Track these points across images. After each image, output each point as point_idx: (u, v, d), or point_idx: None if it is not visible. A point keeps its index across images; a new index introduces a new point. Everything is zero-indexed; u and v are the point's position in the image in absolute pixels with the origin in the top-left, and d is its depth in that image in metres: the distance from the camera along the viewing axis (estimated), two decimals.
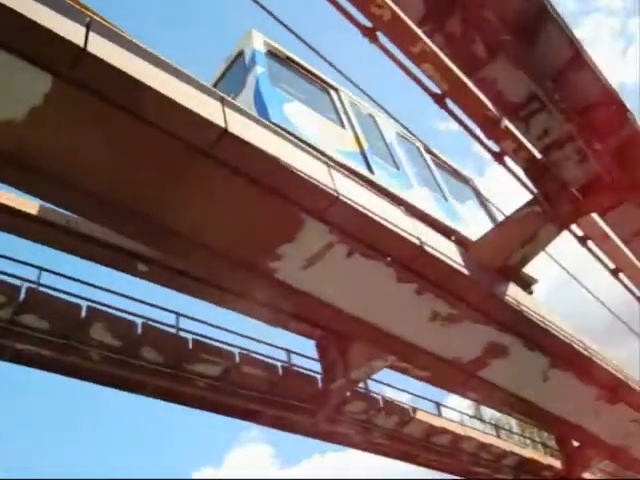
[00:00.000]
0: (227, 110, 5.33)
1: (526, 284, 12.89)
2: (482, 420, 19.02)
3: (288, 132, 7.19)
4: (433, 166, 12.13)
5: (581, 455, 14.75)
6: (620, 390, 10.87)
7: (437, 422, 13.04)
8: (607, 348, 13.15)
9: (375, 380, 12.19)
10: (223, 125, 5.15)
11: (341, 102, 10.55)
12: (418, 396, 13.74)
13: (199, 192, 5.64)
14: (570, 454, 15.04)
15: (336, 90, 10.72)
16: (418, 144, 11.87)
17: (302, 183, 5.80)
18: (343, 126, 9.91)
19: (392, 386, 13.01)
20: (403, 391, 13.55)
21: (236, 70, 10.16)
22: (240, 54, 10.19)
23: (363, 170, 8.80)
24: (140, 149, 5.11)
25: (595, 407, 11.12)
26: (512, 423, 22.56)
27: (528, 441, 20.18)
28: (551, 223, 7.86)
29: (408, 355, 8.96)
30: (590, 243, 9.47)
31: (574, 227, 9.04)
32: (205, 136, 5.14)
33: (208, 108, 5.13)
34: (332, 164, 6.50)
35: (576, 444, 14.49)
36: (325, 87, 10.61)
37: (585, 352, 9.56)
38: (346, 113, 10.32)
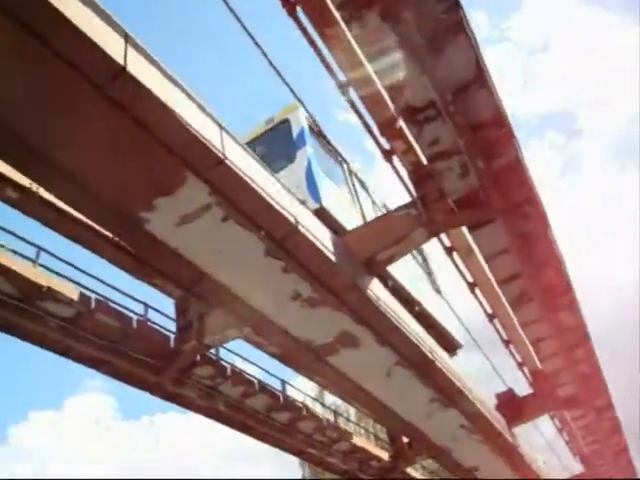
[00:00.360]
0: (130, 49, 5.23)
1: (452, 347, 14.17)
2: (323, 404, 19.68)
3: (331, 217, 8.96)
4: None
5: (408, 451, 15.64)
6: (455, 396, 11.63)
7: (280, 399, 13.36)
8: (457, 358, 14.11)
9: (227, 349, 12.33)
10: (122, 63, 5.05)
11: (350, 174, 11.90)
12: (267, 372, 14.01)
13: (85, 127, 5.51)
14: (398, 449, 15.90)
15: (345, 162, 11.82)
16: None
17: (191, 139, 5.80)
18: (353, 201, 11.19)
19: (243, 357, 13.19)
20: (253, 364, 13.76)
21: (279, 139, 10.85)
22: (284, 123, 10.91)
23: None
24: (38, 72, 4.94)
25: (429, 408, 11.86)
26: (351, 412, 23.50)
27: (362, 431, 21.13)
28: (423, 228, 8.29)
29: (264, 329, 9.18)
30: (455, 255, 10.10)
31: (443, 237, 9.60)
32: (103, 71, 5.03)
33: (110, 43, 5.02)
34: (225, 126, 6.53)
35: (405, 440, 15.32)
36: (340, 160, 11.70)
37: (429, 355, 10.16)
38: (353, 185, 11.75)
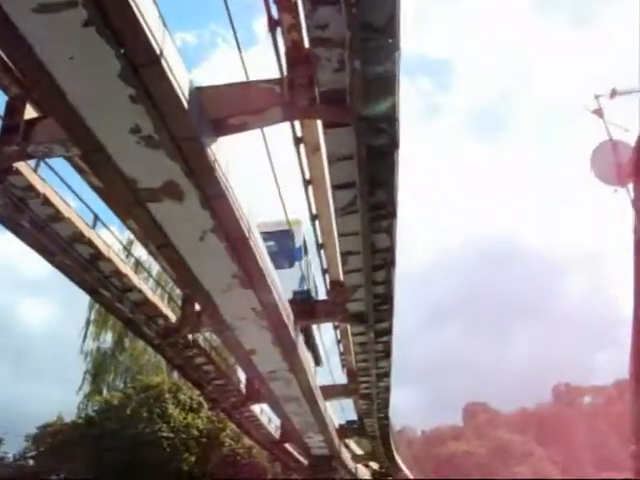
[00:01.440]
0: None
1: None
2: (129, 253, 19.64)
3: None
4: None
5: (196, 319, 16.13)
6: (256, 279, 12.10)
7: (87, 232, 13.16)
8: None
9: (51, 168, 11.85)
10: None
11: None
12: (86, 205, 13.66)
13: None
14: (187, 314, 16.34)
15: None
16: None
17: None
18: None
19: (64, 181, 12.71)
20: (73, 193, 13.31)
21: (285, 243, 16.84)
22: (288, 232, 16.68)
23: None
24: None
25: (229, 283, 12.26)
26: (154, 271, 23.66)
27: (160, 290, 21.50)
28: (282, 108, 8.36)
29: (92, 157, 8.91)
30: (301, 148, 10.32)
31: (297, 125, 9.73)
32: None
33: None
34: None
35: (198, 308, 15.75)
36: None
37: (246, 232, 10.45)
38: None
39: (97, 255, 13.72)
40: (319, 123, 9.29)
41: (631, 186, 13.27)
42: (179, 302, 17.23)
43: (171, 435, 27.16)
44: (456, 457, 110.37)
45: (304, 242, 18.17)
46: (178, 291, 19.49)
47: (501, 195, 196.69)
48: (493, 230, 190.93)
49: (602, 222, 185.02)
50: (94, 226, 13.88)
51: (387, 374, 19.94)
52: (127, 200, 9.92)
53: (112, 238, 15.73)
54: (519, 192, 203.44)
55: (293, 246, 16.70)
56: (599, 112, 13.42)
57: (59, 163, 12.02)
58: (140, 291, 15.45)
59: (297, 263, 17.05)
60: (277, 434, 28.87)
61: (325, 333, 31.71)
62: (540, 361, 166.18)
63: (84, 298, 35.39)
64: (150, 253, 16.08)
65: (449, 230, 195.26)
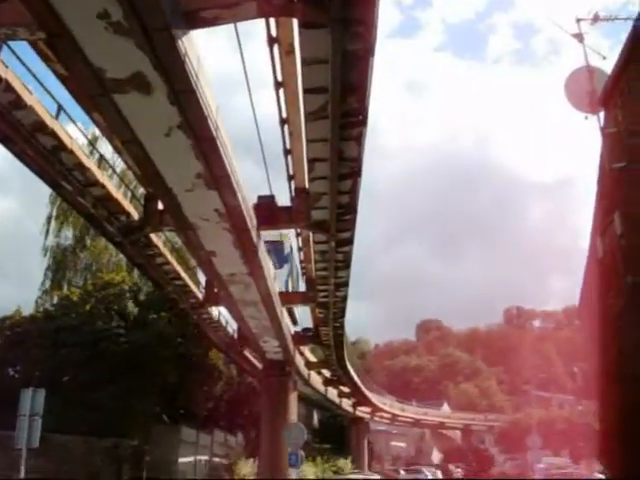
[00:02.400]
0: None
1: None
2: (95, 148, 19.34)
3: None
4: None
5: (159, 218, 16.17)
6: (221, 180, 12.14)
7: (50, 122, 12.90)
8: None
9: (14, 52, 11.48)
10: None
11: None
12: (50, 94, 13.33)
13: None
14: (150, 213, 16.35)
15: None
16: None
17: None
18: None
19: (27, 67, 12.35)
20: (36, 80, 12.98)
21: (279, 250, 22.71)
22: (281, 242, 22.78)
23: None
24: None
25: (193, 182, 12.28)
26: (119, 165, 23.36)
27: (124, 189, 21.36)
28: (256, 4, 8.22)
29: (58, 43, 8.69)
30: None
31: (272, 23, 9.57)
32: None
33: None
34: None
35: (161, 207, 15.77)
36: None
37: (213, 131, 10.41)
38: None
39: (60, 147, 13.50)
40: (295, 23, 9.14)
41: (602, 114, 13.48)
42: (142, 201, 17.18)
43: (129, 333, 27.58)
44: (407, 371, 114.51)
45: (291, 249, 24.25)
46: (142, 190, 19.39)
47: (476, 115, 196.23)
48: (463, 150, 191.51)
49: (574, 149, 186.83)
50: (57, 116, 13.62)
51: (345, 284, 20.38)
52: (93, 90, 9.77)
53: (77, 132, 15.51)
54: (494, 113, 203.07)
55: (282, 253, 23.06)
56: (579, 36, 13.33)
57: (23, 48, 11.70)
58: (103, 187, 15.34)
59: (286, 265, 24.10)
60: (234, 337, 29.55)
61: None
62: (495, 283, 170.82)
63: (45, 194, 35.03)
64: (115, 149, 15.95)
65: (420, 147, 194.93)
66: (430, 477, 60.25)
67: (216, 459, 32.27)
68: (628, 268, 12.84)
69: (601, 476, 17.05)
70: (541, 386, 71.65)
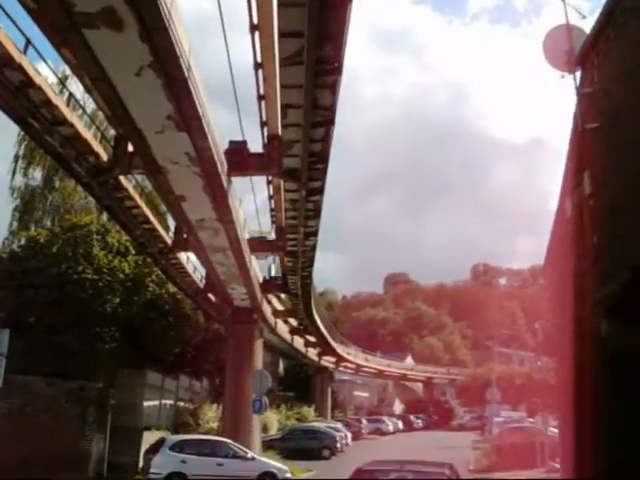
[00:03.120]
0: None
1: None
2: (65, 86, 18.87)
3: None
4: None
5: (128, 160, 15.97)
6: (191, 122, 12.00)
7: (18, 56, 12.52)
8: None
9: None
10: None
11: None
12: (18, 28, 12.90)
13: None
14: (120, 155, 16.12)
15: None
16: None
17: None
18: None
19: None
20: (3, 12, 12.52)
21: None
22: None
23: None
24: None
25: (164, 124, 12.12)
26: (90, 106, 22.88)
27: (94, 130, 20.98)
28: None
29: None
30: None
31: None
32: None
33: None
34: None
35: (130, 149, 15.55)
36: None
37: (185, 72, 10.25)
38: None
39: (27, 83, 13.14)
40: None
41: (579, 73, 13.46)
42: (112, 143, 16.89)
43: (95, 277, 27.42)
44: (373, 323, 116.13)
45: None
46: (112, 132, 19.05)
47: (451, 71, 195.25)
48: (437, 105, 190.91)
49: (547, 110, 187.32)
50: (25, 51, 13.24)
51: (315, 233, 20.41)
52: (62, 24, 9.51)
53: (46, 70, 15.13)
54: (470, 70, 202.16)
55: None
56: None
57: None
58: (72, 125, 15.02)
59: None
60: (202, 283, 29.59)
61: (258, 191, 31.85)
62: (463, 240, 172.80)
63: (12, 133, 34.18)
64: (85, 88, 15.55)
65: (394, 101, 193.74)
66: (391, 427, 61.80)
67: (181, 403, 32.56)
68: (594, 228, 13.02)
69: (554, 430, 17.64)
70: (503, 342, 73.25)
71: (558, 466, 15.10)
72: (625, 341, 8.10)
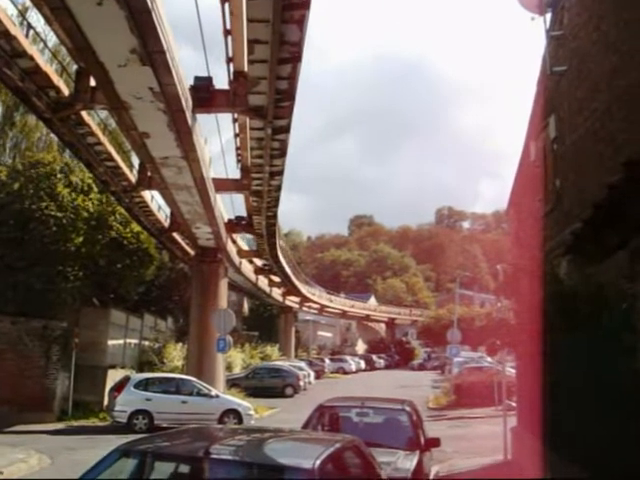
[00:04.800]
0: None
1: None
2: (25, 18, 18.14)
3: None
4: None
5: (90, 94, 15.59)
6: (156, 56, 11.68)
7: None
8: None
9: None
10: None
11: None
12: None
13: None
14: (82, 89, 15.71)
15: None
16: None
17: None
18: None
19: None
20: None
21: None
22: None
23: None
24: None
25: (127, 58, 11.77)
26: (51, 40, 22.12)
27: (56, 65, 20.31)
28: None
29: None
30: None
31: None
32: None
33: None
34: None
35: (93, 84, 15.13)
36: None
37: (149, 3, 9.94)
38: None
39: None
40: None
41: (549, 16, 13.38)
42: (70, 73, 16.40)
43: (59, 214, 26.97)
44: (337, 264, 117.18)
45: None
46: (75, 67, 18.47)
47: (416, 11, 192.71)
48: (401, 47, 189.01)
49: (517, 53, 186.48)
50: None
51: (280, 172, 20.27)
52: None
53: (4, 1, 14.49)
54: (436, 11, 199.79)
55: None
56: None
57: None
58: (32, 58, 14.50)
59: None
60: (166, 223, 29.38)
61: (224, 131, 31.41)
62: (428, 183, 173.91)
63: None
64: (45, 19, 15.00)
65: (360, 45, 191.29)
66: (354, 366, 63.09)
67: (146, 342, 32.73)
68: (557, 172, 13.20)
69: (512, 370, 18.17)
70: (465, 284, 74.64)
71: (514, 404, 15.62)
72: (583, 280, 8.33)
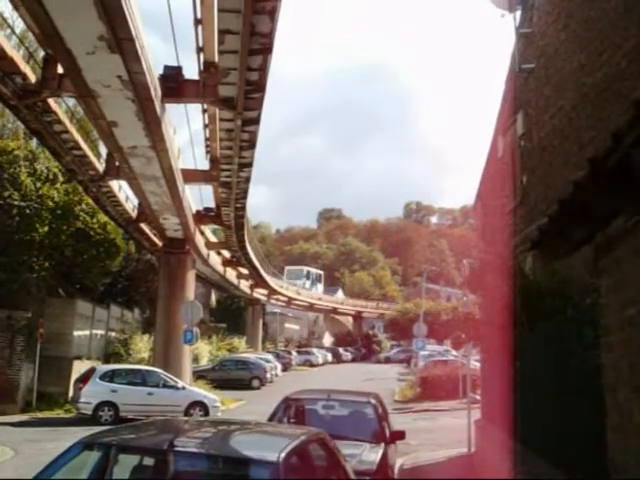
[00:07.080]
0: None
1: None
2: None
3: None
4: None
5: (58, 82, 15.31)
6: (125, 44, 11.50)
7: None
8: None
9: None
10: None
11: None
12: None
13: None
14: (49, 77, 15.43)
15: None
16: None
17: None
18: None
19: None
20: None
21: None
22: None
23: None
24: None
25: (95, 45, 11.58)
26: (18, 26, 21.65)
27: (23, 51, 19.89)
28: None
29: None
30: None
31: None
32: None
33: None
34: None
35: (61, 71, 14.88)
36: None
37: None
38: None
39: None
40: None
41: (519, 13, 13.49)
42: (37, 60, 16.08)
43: (22, 204, 26.48)
44: (306, 257, 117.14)
45: None
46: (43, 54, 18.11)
47: (387, 6, 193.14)
48: (370, 42, 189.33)
49: (486, 50, 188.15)
50: None
51: (249, 164, 20.12)
52: None
53: None
54: (406, 7, 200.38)
55: None
56: None
57: None
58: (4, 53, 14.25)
59: None
60: (134, 213, 29.06)
61: (193, 122, 31.16)
62: (397, 178, 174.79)
63: None
64: (12, 4, 14.67)
65: (330, 36, 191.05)
66: (320, 359, 63.22)
67: (112, 333, 32.38)
68: (524, 168, 13.34)
69: (476, 363, 18.37)
70: (432, 279, 75.20)
71: (479, 397, 15.79)
72: (549, 275, 8.43)
